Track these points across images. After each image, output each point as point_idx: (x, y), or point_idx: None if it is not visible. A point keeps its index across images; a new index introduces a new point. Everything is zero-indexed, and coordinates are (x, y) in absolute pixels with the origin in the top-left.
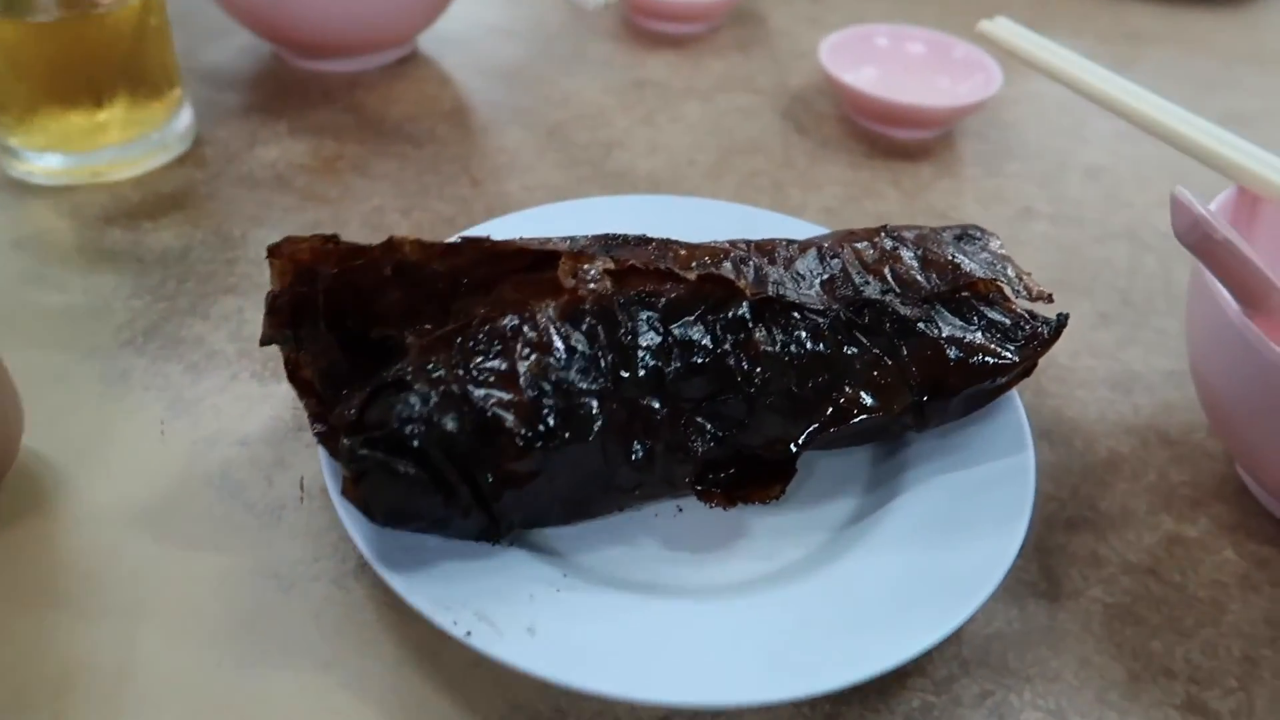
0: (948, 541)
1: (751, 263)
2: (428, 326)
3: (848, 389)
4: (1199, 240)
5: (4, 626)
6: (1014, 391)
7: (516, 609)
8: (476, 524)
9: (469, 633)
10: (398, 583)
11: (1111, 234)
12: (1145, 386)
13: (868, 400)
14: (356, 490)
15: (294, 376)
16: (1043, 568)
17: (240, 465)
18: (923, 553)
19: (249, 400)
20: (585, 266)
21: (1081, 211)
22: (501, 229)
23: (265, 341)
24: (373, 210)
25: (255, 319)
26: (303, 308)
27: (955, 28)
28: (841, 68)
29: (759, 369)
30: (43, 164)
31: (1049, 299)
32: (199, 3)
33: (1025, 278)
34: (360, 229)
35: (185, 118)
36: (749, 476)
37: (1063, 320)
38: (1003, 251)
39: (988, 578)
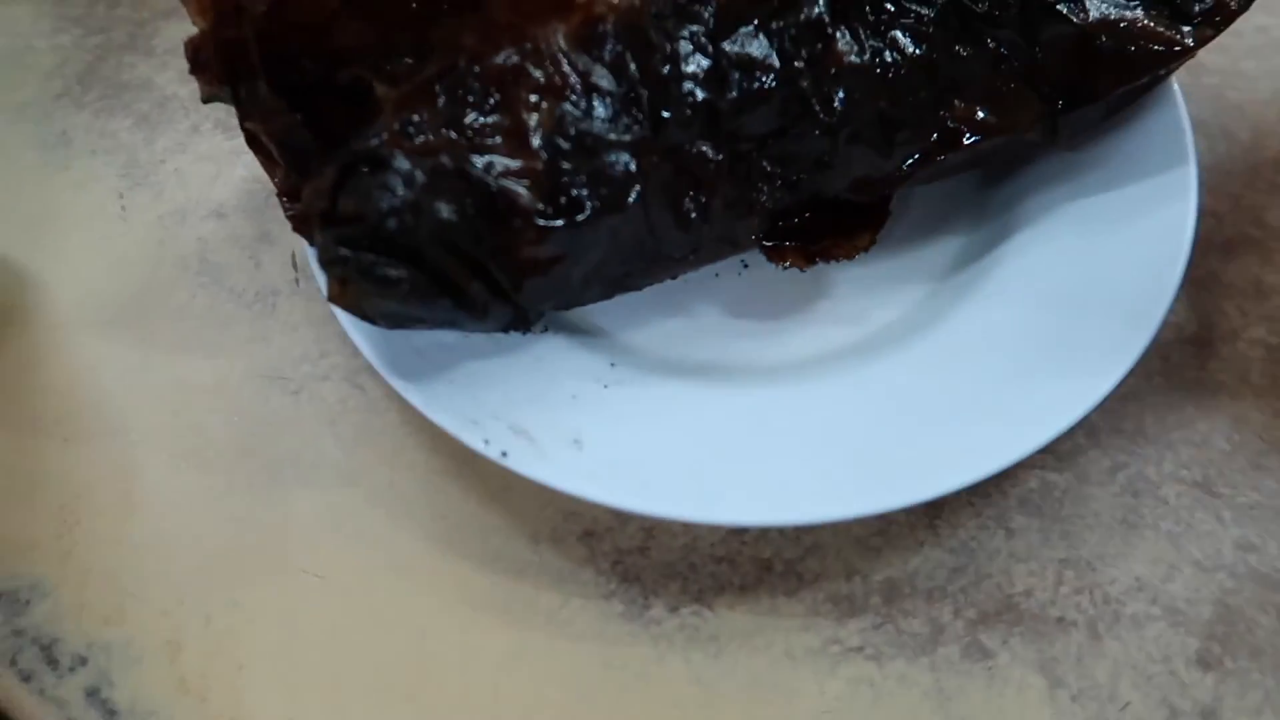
0: (1081, 291)
1: None
2: (408, 61)
3: (959, 104)
4: None
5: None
6: (1172, 80)
7: (558, 415)
8: (499, 318)
9: (504, 453)
10: (415, 395)
11: None
12: None
13: (985, 117)
14: (345, 296)
15: (254, 142)
16: (1192, 304)
17: (219, 244)
18: (1049, 307)
19: (216, 160)
20: None
21: None
22: None
23: (207, 99)
24: None
25: None
26: (235, 59)
27: None
28: None
29: (842, 88)
30: None
31: None
32: None
33: None
34: None
35: None
36: (829, 224)
37: None
38: None
39: (1131, 339)
